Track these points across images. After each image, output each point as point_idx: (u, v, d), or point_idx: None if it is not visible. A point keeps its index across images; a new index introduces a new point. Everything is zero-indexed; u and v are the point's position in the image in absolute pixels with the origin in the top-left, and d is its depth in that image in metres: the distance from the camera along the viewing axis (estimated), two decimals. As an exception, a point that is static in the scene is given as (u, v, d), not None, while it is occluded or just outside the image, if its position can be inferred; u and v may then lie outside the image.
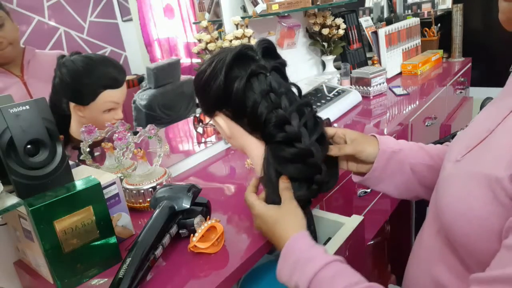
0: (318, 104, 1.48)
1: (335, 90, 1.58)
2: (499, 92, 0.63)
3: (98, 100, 1.00)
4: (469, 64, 2.18)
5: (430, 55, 2.12)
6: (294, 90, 0.77)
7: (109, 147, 1.00)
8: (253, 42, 1.31)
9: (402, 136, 1.40)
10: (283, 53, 1.59)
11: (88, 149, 0.92)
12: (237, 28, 1.33)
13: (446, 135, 1.79)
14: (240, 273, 0.72)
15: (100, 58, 1.06)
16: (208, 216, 0.84)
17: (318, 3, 1.52)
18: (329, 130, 0.79)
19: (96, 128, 0.93)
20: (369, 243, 1.49)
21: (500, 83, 0.64)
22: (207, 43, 1.27)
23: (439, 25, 2.27)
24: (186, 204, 0.76)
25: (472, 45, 2.25)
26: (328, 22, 1.77)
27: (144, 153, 0.98)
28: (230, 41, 1.29)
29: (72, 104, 1.00)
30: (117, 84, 1.03)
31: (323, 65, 1.98)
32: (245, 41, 1.31)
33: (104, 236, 0.73)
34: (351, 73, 1.74)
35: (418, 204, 1.54)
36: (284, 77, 0.77)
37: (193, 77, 0.79)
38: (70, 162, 0.77)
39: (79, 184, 0.71)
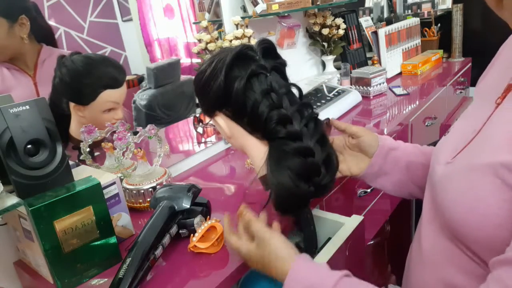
0: (318, 104, 1.48)
1: (335, 90, 1.58)
2: (469, 106, 0.68)
3: (98, 100, 1.00)
4: (469, 64, 2.18)
5: (430, 55, 2.12)
6: (295, 91, 0.77)
7: (109, 147, 1.00)
8: (253, 42, 1.31)
9: (402, 136, 1.40)
10: (283, 53, 1.59)
11: (88, 149, 0.92)
12: (237, 28, 1.33)
13: (446, 135, 1.79)
14: (240, 273, 0.72)
15: (100, 58, 1.06)
16: (208, 216, 0.84)
17: (318, 3, 1.52)
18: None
19: (96, 128, 0.93)
20: (369, 243, 1.49)
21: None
22: (207, 43, 1.26)
23: (439, 25, 2.27)
24: (186, 204, 0.76)
25: (472, 45, 2.25)
26: (328, 22, 1.77)
27: (144, 153, 0.98)
28: (230, 41, 1.29)
29: (72, 104, 1.00)
30: (117, 84, 1.03)
31: (323, 65, 1.98)
32: (245, 41, 1.30)
33: (104, 236, 0.73)
34: (351, 73, 1.74)
35: (418, 204, 1.54)
36: (284, 77, 0.77)
37: (193, 77, 0.79)
38: (70, 162, 0.77)
39: (79, 184, 0.71)
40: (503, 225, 0.48)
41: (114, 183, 0.79)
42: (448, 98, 1.92)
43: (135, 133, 0.97)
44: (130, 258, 0.65)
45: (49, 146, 0.69)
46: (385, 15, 2.50)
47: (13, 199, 0.67)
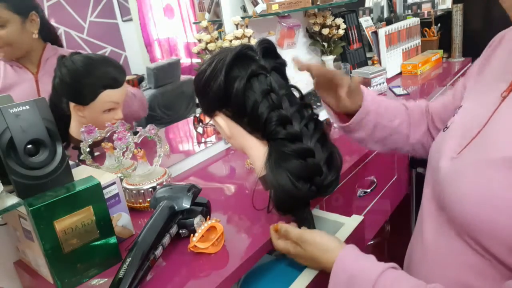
0: (318, 104, 1.48)
1: (335, 90, 1.58)
2: (463, 101, 0.68)
3: (98, 100, 1.00)
4: (469, 64, 2.18)
5: (430, 55, 2.12)
6: (295, 92, 0.77)
7: (109, 147, 1.00)
8: (253, 42, 1.31)
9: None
10: (283, 53, 1.59)
11: (88, 149, 0.92)
12: (237, 28, 1.33)
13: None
14: (240, 273, 0.72)
15: (100, 58, 1.06)
16: (208, 216, 0.84)
17: (318, 3, 1.52)
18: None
19: (96, 128, 0.93)
20: (369, 243, 1.49)
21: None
22: (207, 43, 1.26)
23: (439, 25, 2.27)
24: (186, 204, 0.76)
25: (472, 45, 2.25)
26: (328, 22, 1.77)
27: (144, 153, 0.98)
28: (230, 41, 1.29)
29: (72, 104, 1.00)
30: (117, 84, 1.03)
31: (323, 65, 1.98)
32: (245, 41, 1.30)
33: (104, 236, 0.73)
34: (351, 73, 1.74)
35: (418, 205, 1.54)
36: (284, 77, 0.77)
37: (193, 77, 0.79)
38: (70, 162, 0.77)
39: (79, 184, 0.70)
40: None
41: (114, 183, 0.79)
42: (448, 98, 1.92)
43: (135, 133, 0.97)
44: (130, 258, 0.65)
45: (49, 146, 0.69)
46: (385, 15, 2.50)
47: (13, 199, 0.67)
